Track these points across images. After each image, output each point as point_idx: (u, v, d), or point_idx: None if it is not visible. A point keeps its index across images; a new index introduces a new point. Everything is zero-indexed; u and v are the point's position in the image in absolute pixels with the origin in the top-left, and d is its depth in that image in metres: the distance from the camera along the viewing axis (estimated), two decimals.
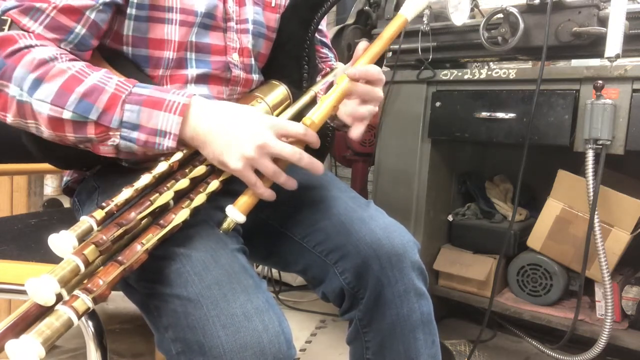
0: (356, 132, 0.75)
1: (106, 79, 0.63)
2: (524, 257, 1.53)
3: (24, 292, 0.69)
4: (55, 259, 0.54)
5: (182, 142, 0.65)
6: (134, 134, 0.63)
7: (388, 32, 0.74)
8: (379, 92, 0.74)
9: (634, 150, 1.20)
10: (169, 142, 0.63)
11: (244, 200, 0.67)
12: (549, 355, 1.39)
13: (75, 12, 0.66)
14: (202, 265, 0.60)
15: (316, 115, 0.69)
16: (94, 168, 0.79)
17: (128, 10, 0.70)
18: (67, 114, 0.61)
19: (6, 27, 0.64)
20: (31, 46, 0.63)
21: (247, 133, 0.63)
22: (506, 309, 1.49)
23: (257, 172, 0.65)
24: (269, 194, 0.66)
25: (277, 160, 0.66)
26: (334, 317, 1.85)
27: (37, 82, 0.61)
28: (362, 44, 0.75)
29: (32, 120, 0.64)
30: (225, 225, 0.67)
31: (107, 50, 0.73)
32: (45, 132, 0.64)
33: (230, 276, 0.60)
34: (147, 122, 0.62)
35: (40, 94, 0.61)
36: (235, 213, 0.66)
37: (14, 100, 0.62)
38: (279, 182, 0.66)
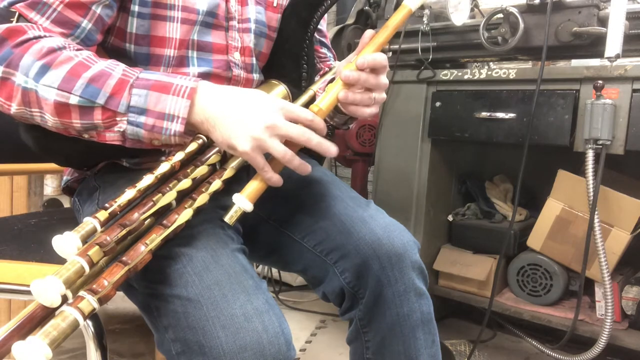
0: (368, 111, 0.72)
1: (113, 65, 0.63)
2: (524, 257, 1.53)
3: (24, 292, 0.70)
4: (55, 259, 0.54)
5: (190, 127, 0.64)
6: (142, 119, 0.62)
7: (393, 22, 0.73)
8: (384, 79, 0.72)
9: (634, 150, 1.20)
10: (177, 127, 0.62)
11: (252, 188, 0.65)
12: (549, 355, 1.39)
13: (82, 7, 0.66)
14: (202, 266, 0.61)
15: (323, 103, 0.68)
16: (94, 168, 0.79)
17: (131, 7, 0.70)
18: (74, 99, 0.61)
19: (14, 20, 0.64)
20: (40, 37, 0.63)
21: (255, 114, 0.62)
22: (506, 309, 1.49)
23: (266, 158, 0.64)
24: (276, 179, 0.65)
25: (288, 145, 0.64)
26: (334, 317, 1.85)
27: (44, 69, 0.61)
28: (369, 32, 0.74)
29: (36, 108, 0.63)
30: (231, 213, 0.65)
31: (109, 48, 0.73)
32: (50, 121, 0.63)
33: (230, 277, 0.60)
34: (155, 106, 0.62)
35: (47, 80, 0.61)
36: (243, 201, 0.64)
37: (20, 88, 0.62)
38: (291, 166, 0.65)
